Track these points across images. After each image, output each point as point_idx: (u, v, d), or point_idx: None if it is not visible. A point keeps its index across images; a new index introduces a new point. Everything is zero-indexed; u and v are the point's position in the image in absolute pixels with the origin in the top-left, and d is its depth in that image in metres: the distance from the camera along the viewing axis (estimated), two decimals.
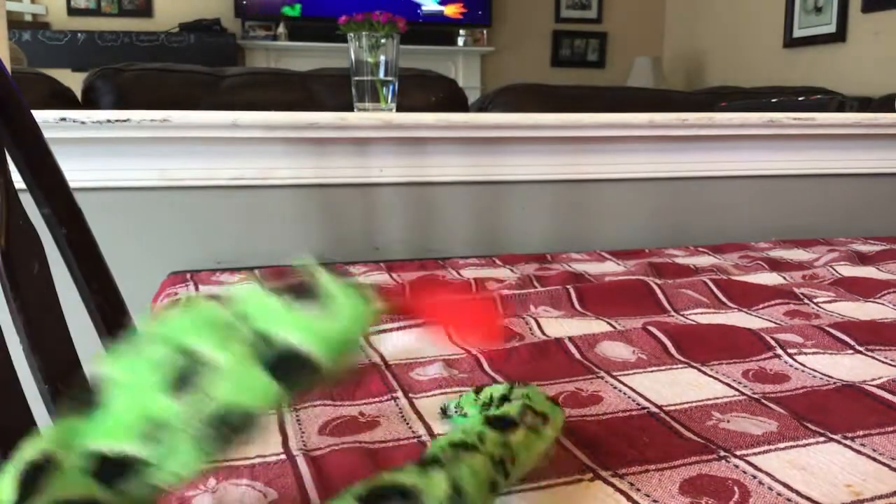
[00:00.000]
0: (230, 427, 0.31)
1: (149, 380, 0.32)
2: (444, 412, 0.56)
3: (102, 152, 1.19)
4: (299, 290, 0.34)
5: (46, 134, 0.70)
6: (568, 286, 0.95)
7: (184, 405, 0.31)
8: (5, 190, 0.59)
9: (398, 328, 0.78)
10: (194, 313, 0.34)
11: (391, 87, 1.31)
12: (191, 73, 1.60)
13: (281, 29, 4.76)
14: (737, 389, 0.62)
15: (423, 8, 4.89)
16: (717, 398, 0.60)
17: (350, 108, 1.33)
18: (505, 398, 0.49)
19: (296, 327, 0.33)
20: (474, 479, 0.36)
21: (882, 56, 3.50)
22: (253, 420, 0.32)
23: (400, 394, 0.61)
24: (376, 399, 0.61)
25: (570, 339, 0.73)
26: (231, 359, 0.32)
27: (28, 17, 4.44)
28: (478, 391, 0.53)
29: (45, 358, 0.59)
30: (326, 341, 0.33)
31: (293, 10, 4.74)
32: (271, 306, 0.33)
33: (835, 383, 0.63)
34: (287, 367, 0.32)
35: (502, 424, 0.42)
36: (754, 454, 0.50)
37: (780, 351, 0.70)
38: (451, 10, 4.96)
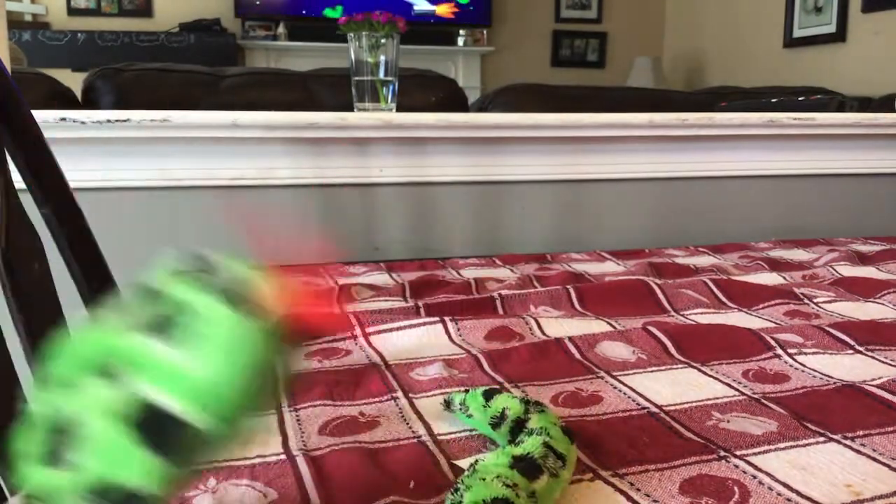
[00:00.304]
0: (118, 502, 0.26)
1: (31, 448, 0.27)
2: (448, 405, 0.56)
3: (102, 152, 1.19)
4: (163, 320, 0.26)
5: (46, 134, 0.70)
6: (568, 286, 0.95)
7: (62, 478, 0.26)
8: (5, 190, 0.59)
9: (398, 328, 0.78)
10: (70, 358, 0.27)
11: (391, 87, 1.31)
12: (191, 73, 1.60)
13: (281, 29, 4.76)
14: (737, 389, 0.62)
15: (416, 8, 4.88)
16: (717, 398, 0.60)
17: (350, 108, 1.33)
18: (521, 423, 0.48)
19: (162, 378, 0.26)
20: None
21: (882, 56, 3.50)
22: (143, 499, 0.26)
23: (400, 394, 0.61)
24: (376, 399, 0.60)
25: (570, 339, 0.73)
26: (100, 424, 0.26)
27: (28, 17, 4.44)
28: (487, 396, 0.52)
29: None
30: (201, 396, 0.25)
31: (335, 12, 4.74)
32: (139, 347, 0.26)
33: (835, 383, 0.63)
34: (162, 433, 0.25)
35: (528, 470, 0.42)
36: (754, 454, 0.50)
37: (780, 351, 0.70)
38: (442, 10, 4.96)
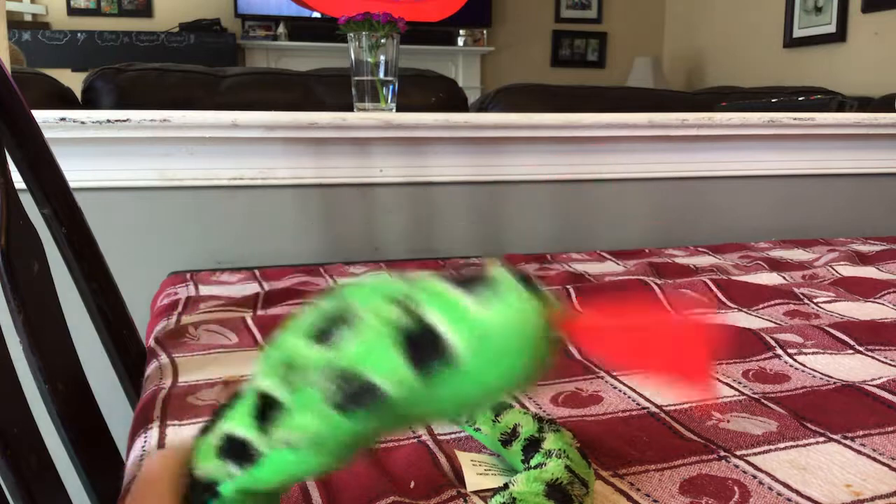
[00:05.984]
0: (352, 395, 0.28)
1: (304, 326, 0.30)
2: None
3: (102, 152, 1.19)
4: (469, 278, 0.29)
5: (46, 134, 0.70)
6: (568, 286, 0.95)
7: (318, 354, 0.29)
8: (5, 190, 0.59)
9: None
10: (377, 281, 0.31)
11: (391, 87, 1.31)
12: (191, 73, 1.59)
13: (281, 29, 4.77)
14: (737, 389, 0.62)
15: None
16: (717, 398, 0.60)
17: (350, 108, 1.33)
18: (535, 442, 0.46)
19: (445, 308, 0.28)
20: None
21: (882, 56, 3.50)
22: (376, 398, 0.28)
23: None
24: None
25: None
26: (374, 321, 0.29)
27: (28, 17, 4.44)
28: (497, 411, 0.50)
29: (44, 358, 0.59)
30: (477, 333, 0.28)
31: None
32: (437, 289, 0.29)
33: (835, 383, 0.63)
34: (422, 350, 0.28)
35: (564, 500, 0.40)
36: (754, 454, 0.50)
37: (780, 351, 0.70)
38: None
